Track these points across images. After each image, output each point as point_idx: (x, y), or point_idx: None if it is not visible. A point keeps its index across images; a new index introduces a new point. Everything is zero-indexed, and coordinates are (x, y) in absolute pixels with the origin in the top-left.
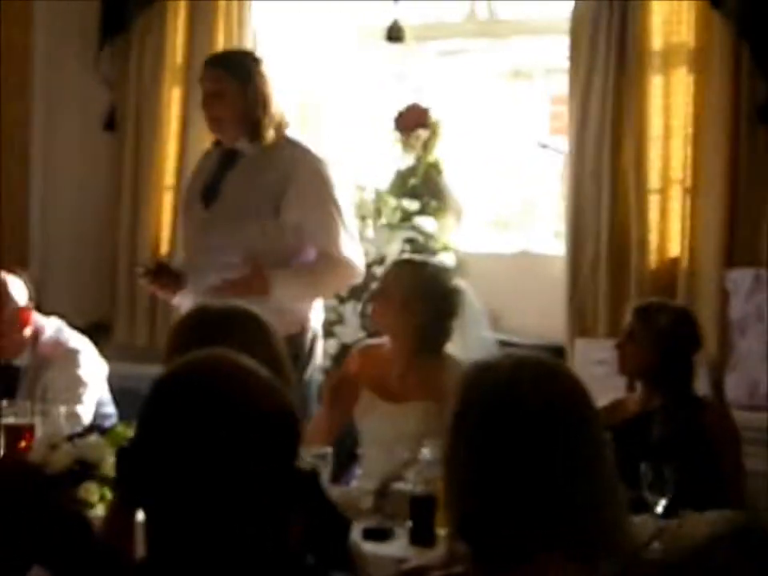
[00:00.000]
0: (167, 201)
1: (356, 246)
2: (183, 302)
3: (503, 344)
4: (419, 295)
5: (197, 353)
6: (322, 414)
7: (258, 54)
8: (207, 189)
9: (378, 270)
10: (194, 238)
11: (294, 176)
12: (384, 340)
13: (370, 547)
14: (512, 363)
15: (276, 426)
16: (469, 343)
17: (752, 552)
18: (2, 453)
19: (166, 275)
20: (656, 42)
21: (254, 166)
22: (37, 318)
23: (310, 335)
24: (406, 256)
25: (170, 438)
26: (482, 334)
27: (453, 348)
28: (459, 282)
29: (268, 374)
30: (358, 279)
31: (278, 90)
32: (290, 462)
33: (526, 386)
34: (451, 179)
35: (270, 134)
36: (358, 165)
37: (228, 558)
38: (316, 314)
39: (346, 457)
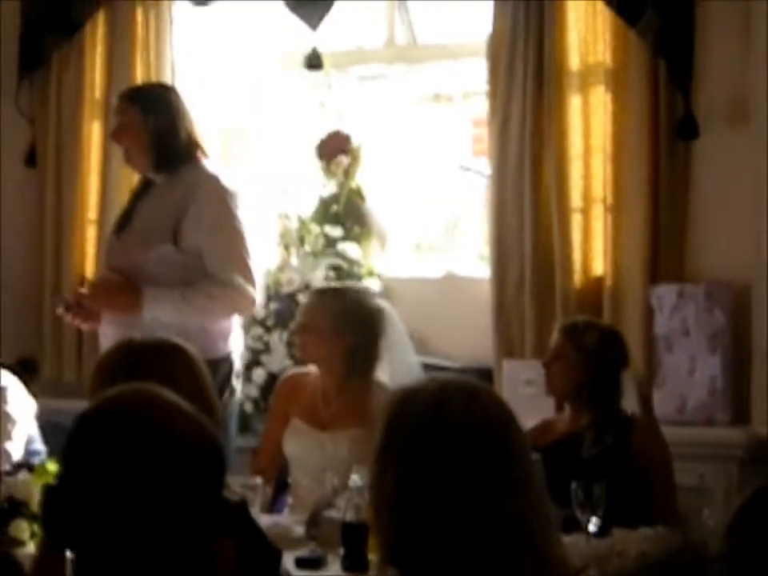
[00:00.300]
0: (90, 235)
1: (252, 275)
2: (103, 331)
3: (431, 368)
4: (346, 321)
5: (119, 387)
6: (267, 441)
7: (171, 84)
8: (122, 218)
9: (303, 298)
10: (105, 266)
11: (193, 200)
12: (309, 368)
13: None
14: (436, 387)
15: (201, 457)
16: (395, 367)
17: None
18: None
19: (81, 305)
20: (573, 62)
21: (161, 193)
22: None
23: (228, 362)
24: (324, 285)
25: (93, 473)
26: (407, 358)
27: (380, 373)
28: (382, 303)
29: (190, 407)
30: (250, 308)
31: (193, 119)
32: (216, 493)
33: (450, 409)
34: (374, 205)
35: (179, 163)
36: (280, 192)
37: None
38: (235, 341)
39: (277, 486)
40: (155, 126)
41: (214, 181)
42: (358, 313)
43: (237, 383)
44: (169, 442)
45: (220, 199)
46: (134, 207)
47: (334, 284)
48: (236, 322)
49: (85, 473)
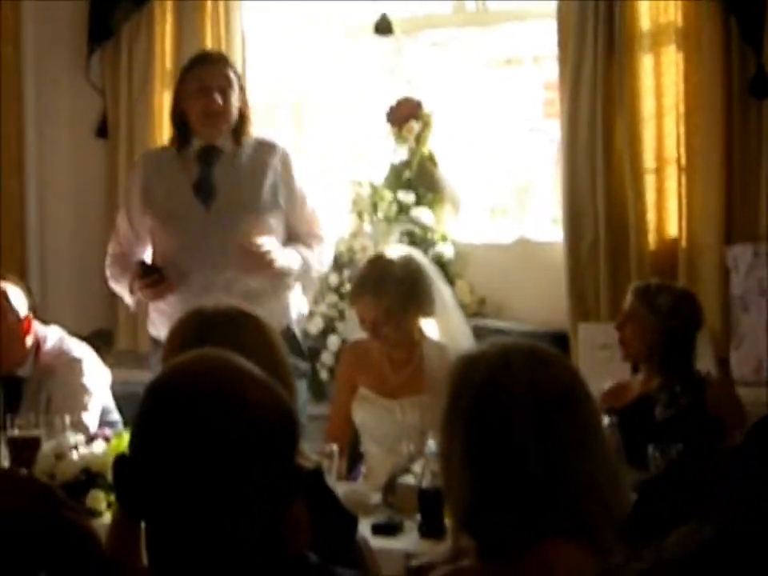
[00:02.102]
0: None
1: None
2: (178, 305)
3: (506, 332)
4: (409, 297)
5: (188, 355)
6: (336, 410)
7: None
8: (200, 189)
9: None
10: (192, 239)
11: (284, 168)
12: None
13: (379, 542)
14: (499, 351)
15: (273, 423)
16: (447, 328)
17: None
18: (8, 465)
19: (154, 275)
20: (644, 22)
21: (238, 162)
22: (38, 327)
23: (299, 327)
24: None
25: (164, 442)
26: (458, 318)
27: (433, 333)
28: (425, 264)
29: (262, 373)
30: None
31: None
32: (289, 460)
33: (514, 372)
34: (446, 170)
35: (249, 130)
36: (352, 159)
37: (231, 560)
38: (301, 308)
39: (352, 454)
40: (244, 94)
41: (286, 150)
42: (415, 284)
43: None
44: (239, 408)
45: (298, 166)
46: (209, 177)
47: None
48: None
49: (155, 442)
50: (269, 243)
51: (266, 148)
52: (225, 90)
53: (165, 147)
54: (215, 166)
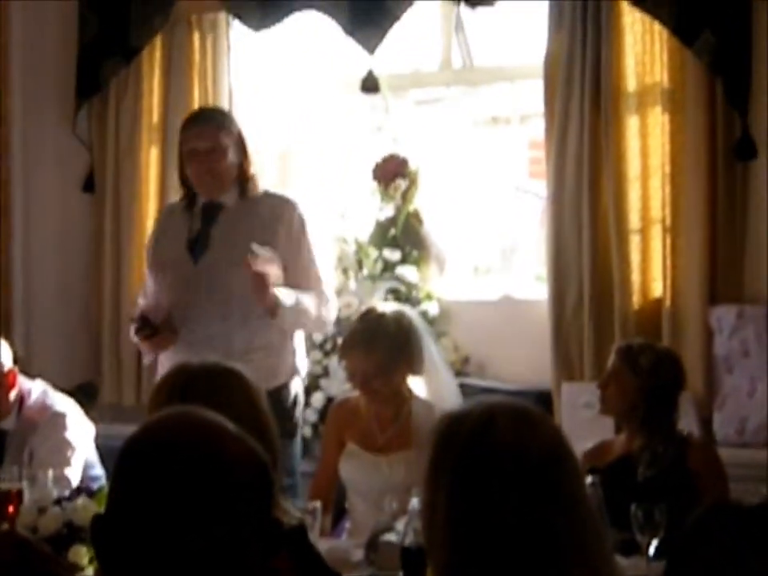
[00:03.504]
0: None
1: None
2: (174, 357)
3: (489, 391)
4: (399, 352)
5: (164, 412)
6: (323, 467)
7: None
8: (193, 244)
9: None
10: (183, 294)
11: (282, 221)
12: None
13: None
14: (484, 408)
15: (247, 478)
16: (435, 386)
17: None
18: None
19: (146, 329)
20: (630, 82)
21: (236, 217)
22: (22, 381)
23: (295, 387)
24: (357, 327)
25: (138, 498)
26: (445, 377)
27: (421, 392)
28: (415, 320)
29: (236, 429)
30: (331, 324)
31: (255, 144)
32: (265, 514)
33: (499, 430)
34: (432, 228)
35: (255, 185)
36: (338, 216)
37: None
38: (302, 364)
39: (336, 511)
40: (242, 151)
41: (292, 202)
42: (407, 340)
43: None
44: (213, 463)
45: (302, 220)
46: (206, 233)
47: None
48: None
49: (130, 498)
50: (269, 268)
51: (276, 202)
52: (214, 150)
53: (181, 200)
54: (216, 222)
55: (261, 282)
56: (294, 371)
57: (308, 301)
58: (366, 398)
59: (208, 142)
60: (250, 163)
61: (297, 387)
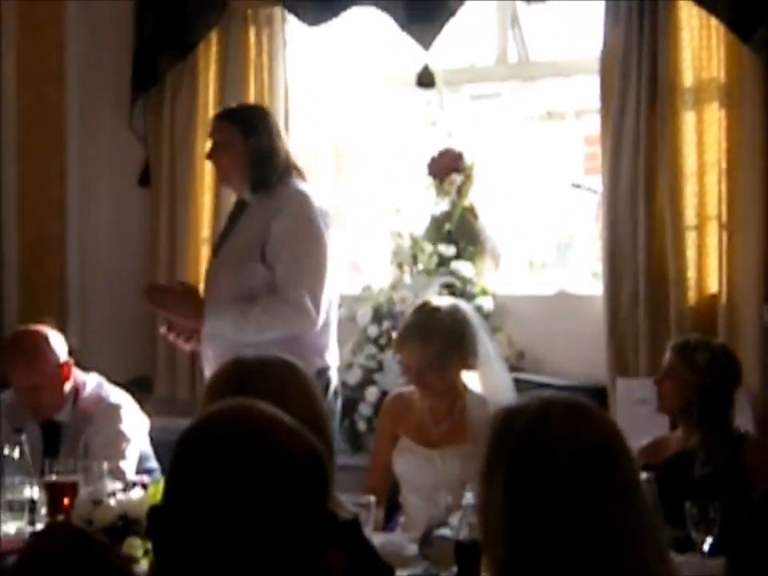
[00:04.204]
0: (204, 253)
1: (318, 294)
2: (205, 352)
3: (544, 386)
4: (454, 346)
5: (219, 404)
6: (376, 461)
7: (267, 107)
8: (219, 240)
9: None
10: (205, 288)
11: (278, 218)
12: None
13: None
14: (539, 403)
15: (303, 470)
16: (490, 381)
17: None
18: (45, 511)
19: (183, 324)
20: (687, 78)
21: (253, 213)
22: (77, 373)
23: (324, 378)
24: (410, 322)
25: (194, 490)
26: (498, 371)
27: (476, 386)
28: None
29: (292, 421)
30: (307, 327)
31: (287, 141)
32: (322, 506)
33: (554, 425)
34: (487, 223)
35: (271, 183)
36: (393, 211)
37: None
38: (332, 357)
39: (390, 505)
40: (255, 147)
41: (300, 197)
42: (462, 334)
43: (335, 401)
44: (269, 455)
45: (301, 215)
46: (230, 228)
47: (413, 319)
48: (332, 338)
49: (186, 490)
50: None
51: (284, 197)
52: (224, 144)
53: None
54: (240, 218)
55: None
56: (313, 366)
57: (240, 310)
58: (420, 392)
59: (217, 135)
60: (267, 161)
61: (323, 380)
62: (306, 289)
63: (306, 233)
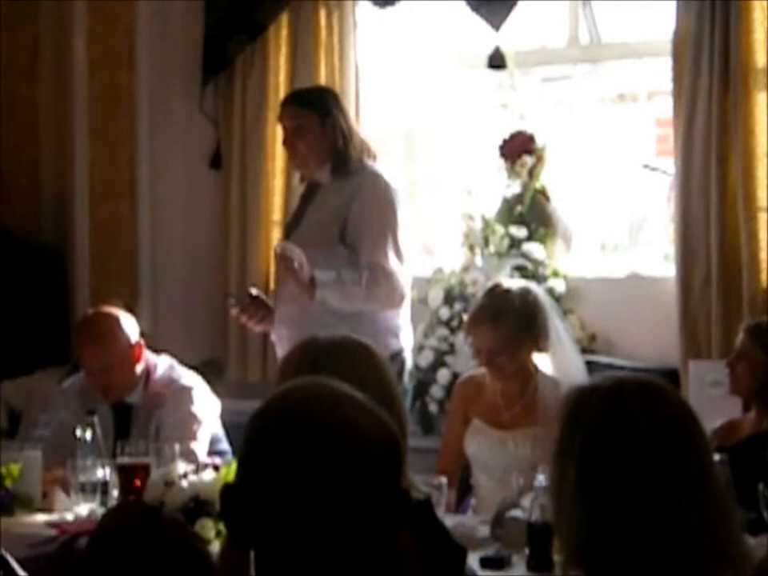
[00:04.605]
0: (275, 236)
1: (403, 270)
2: (278, 333)
3: (616, 368)
4: (527, 330)
5: (292, 383)
6: (448, 443)
7: (334, 89)
8: (291, 221)
9: None
10: (276, 270)
11: (358, 197)
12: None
13: None
14: (613, 384)
15: (377, 449)
16: (561, 361)
17: None
18: (118, 492)
19: (256, 306)
20: (759, 59)
21: (328, 195)
22: (148, 355)
23: (398, 360)
24: (480, 303)
25: (267, 469)
26: (569, 353)
27: (547, 368)
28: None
29: (367, 399)
30: (398, 302)
31: (360, 123)
32: (395, 485)
33: (628, 406)
34: (559, 205)
35: (352, 165)
36: (464, 193)
37: None
38: (406, 338)
39: (461, 487)
40: (332, 129)
41: (375, 178)
42: (533, 316)
43: (408, 383)
44: (343, 434)
45: (380, 195)
46: (303, 210)
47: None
48: (406, 319)
49: (259, 469)
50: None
51: (360, 179)
52: (293, 131)
53: None
54: (312, 201)
55: (285, 265)
56: (388, 347)
57: (351, 278)
58: (492, 374)
59: (291, 121)
60: (342, 142)
61: (398, 362)
62: (395, 266)
63: (388, 212)
